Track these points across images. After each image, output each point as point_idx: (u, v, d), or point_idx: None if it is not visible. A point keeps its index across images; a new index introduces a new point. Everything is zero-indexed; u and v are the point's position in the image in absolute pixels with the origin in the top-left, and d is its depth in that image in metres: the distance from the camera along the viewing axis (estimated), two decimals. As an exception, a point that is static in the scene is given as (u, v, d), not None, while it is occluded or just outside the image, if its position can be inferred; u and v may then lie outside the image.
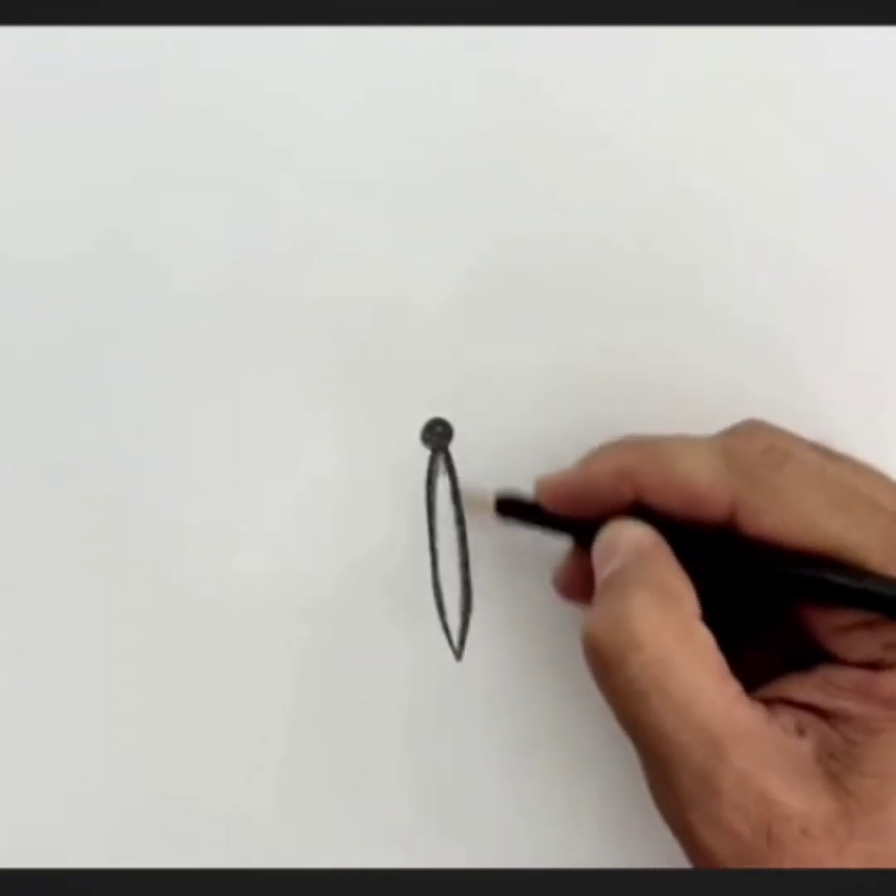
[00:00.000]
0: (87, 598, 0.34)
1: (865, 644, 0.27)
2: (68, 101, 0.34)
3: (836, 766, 0.26)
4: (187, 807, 0.34)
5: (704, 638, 0.27)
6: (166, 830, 0.33)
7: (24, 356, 0.34)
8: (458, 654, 0.34)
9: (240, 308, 0.34)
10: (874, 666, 0.27)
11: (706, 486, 0.28)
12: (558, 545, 0.32)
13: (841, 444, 0.29)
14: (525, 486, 0.31)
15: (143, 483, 0.34)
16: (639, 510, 0.29)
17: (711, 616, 0.28)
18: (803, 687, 0.28)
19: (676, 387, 0.34)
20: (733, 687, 0.27)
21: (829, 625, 0.28)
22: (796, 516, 0.27)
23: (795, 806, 0.25)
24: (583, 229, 0.34)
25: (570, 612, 0.32)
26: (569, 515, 0.30)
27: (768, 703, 0.27)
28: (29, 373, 0.34)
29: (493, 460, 0.34)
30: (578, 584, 0.31)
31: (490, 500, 0.32)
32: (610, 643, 0.27)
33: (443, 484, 0.34)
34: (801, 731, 0.27)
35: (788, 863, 0.25)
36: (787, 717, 0.27)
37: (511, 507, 0.32)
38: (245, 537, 0.34)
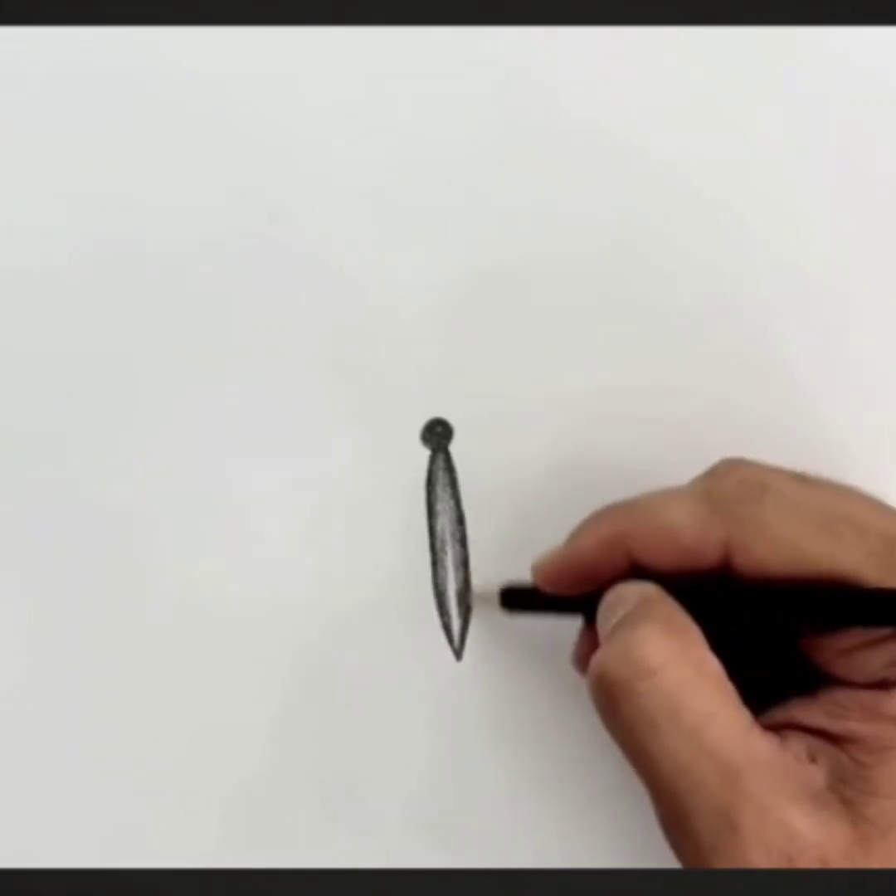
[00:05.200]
0: (89, 614, 0.33)
1: (870, 664, 0.27)
2: (64, 101, 0.34)
3: (851, 792, 0.26)
4: (185, 810, 0.34)
5: (715, 667, 0.27)
6: (164, 834, 0.34)
7: (15, 359, 0.34)
8: (458, 654, 0.34)
9: (237, 312, 0.34)
10: (880, 685, 0.27)
11: (694, 535, 0.28)
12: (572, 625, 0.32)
13: (841, 459, 0.29)
14: (525, 488, 0.31)
15: (139, 493, 0.34)
16: (636, 572, 0.29)
17: (717, 654, 0.27)
18: (810, 711, 0.28)
19: (676, 388, 0.34)
20: (745, 716, 0.26)
21: (832, 649, 0.28)
22: (784, 547, 0.27)
23: (814, 837, 0.25)
24: (582, 234, 0.34)
25: (571, 612, 0.32)
26: (571, 594, 0.30)
27: (775, 728, 0.27)
28: (22, 378, 0.34)
29: (493, 460, 0.34)
30: None
31: (495, 596, 0.32)
32: (618, 675, 0.27)
33: (443, 484, 0.34)
34: (812, 759, 0.27)
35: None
36: (798, 744, 0.27)
37: (515, 598, 0.32)
38: (243, 537, 0.34)
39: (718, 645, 0.27)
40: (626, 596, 0.28)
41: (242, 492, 0.34)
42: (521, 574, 0.33)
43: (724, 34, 0.34)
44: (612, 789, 0.33)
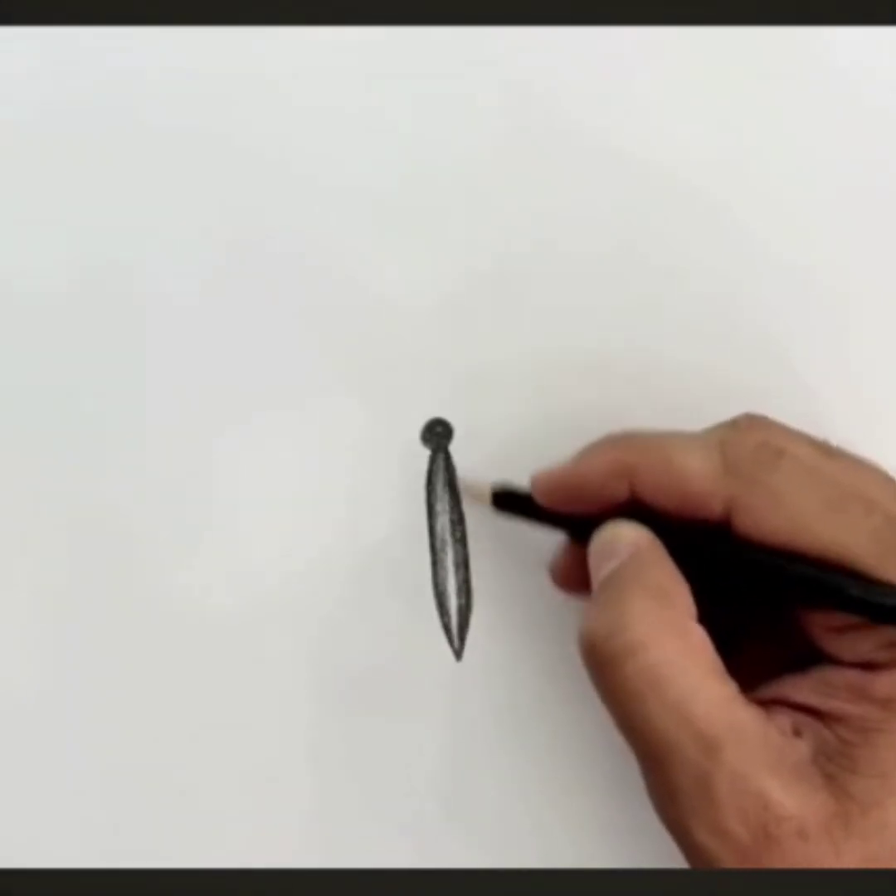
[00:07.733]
0: (89, 614, 0.34)
1: (859, 644, 0.27)
2: (65, 101, 0.34)
3: (833, 768, 0.26)
4: (185, 810, 0.34)
5: (700, 639, 0.27)
6: (164, 834, 0.34)
7: (15, 361, 0.34)
8: (459, 654, 0.34)
9: (237, 313, 0.34)
10: (869, 666, 0.27)
11: (701, 485, 0.28)
12: (557, 542, 0.32)
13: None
14: (525, 487, 0.31)
15: (139, 493, 0.34)
16: (634, 507, 0.29)
17: (707, 614, 0.28)
18: (799, 688, 0.28)
19: (676, 389, 0.34)
20: (729, 688, 0.27)
21: (823, 625, 0.28)
22: (789, 518, 0.27)
23: (792, 807, 0.25)
24: (583, 234, 0.34)
25: (570, 612, 0.32)
26: (564, 511, 0.30)
27: (764, 704, 0.27)
28: (22, 380, 0.34)
29: (494, 460, 0.34)
30: (575, 576, 0.31)
31: (487, 493, 0.33)
32: (607, 646, 0.27)
33: (443, 484, 0.34)
34: (797, 733, 0.27)
35: (786, 865, 0.25)
36: (784, 718, 0.27)
37: (508, 501, 0.32)
38: (243, 537, 0.34)
39: (708, 599, 0.28)
40: (620, 541, 0.29)
41: (242, 492, 0.34)
42: (523, 572, 0.33)
43: (724, 34, 0.34)
44: (614, 788, 0.33)
